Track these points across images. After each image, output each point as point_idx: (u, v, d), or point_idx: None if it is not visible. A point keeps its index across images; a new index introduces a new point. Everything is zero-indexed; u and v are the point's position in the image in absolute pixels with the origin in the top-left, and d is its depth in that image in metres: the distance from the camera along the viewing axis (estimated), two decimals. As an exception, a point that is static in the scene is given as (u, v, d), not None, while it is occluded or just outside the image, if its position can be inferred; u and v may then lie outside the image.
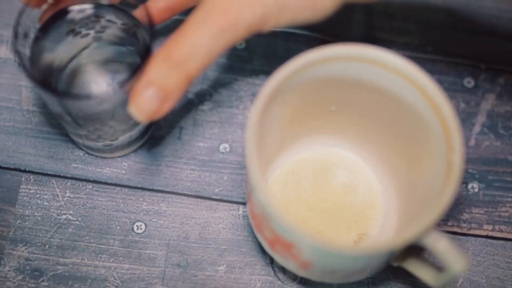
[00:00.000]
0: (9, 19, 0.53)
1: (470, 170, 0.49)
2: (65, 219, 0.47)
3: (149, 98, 0.38)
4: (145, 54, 0.40)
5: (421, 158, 0.42)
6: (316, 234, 0.42)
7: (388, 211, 0.46)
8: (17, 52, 0.40)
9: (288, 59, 0.40)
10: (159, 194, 0.48)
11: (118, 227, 0.47)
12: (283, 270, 0.46)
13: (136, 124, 0.45)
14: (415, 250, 0.42)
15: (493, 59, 0.53)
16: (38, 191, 0.48)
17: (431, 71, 0.49)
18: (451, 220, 0.48)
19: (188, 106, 0.51)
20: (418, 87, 0.40)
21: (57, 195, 0.48)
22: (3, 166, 0.49)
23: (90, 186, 0.48)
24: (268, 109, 0.40)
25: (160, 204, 0.48)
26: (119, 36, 0.45)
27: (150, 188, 0.49)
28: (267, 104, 0.39)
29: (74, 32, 0.44)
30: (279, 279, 0.46)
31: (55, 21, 0.44)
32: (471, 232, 0.48)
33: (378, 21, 0.54)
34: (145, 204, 0.48)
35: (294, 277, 0.46)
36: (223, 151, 0.50)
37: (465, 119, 0.51)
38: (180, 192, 0.48)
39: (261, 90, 0.39)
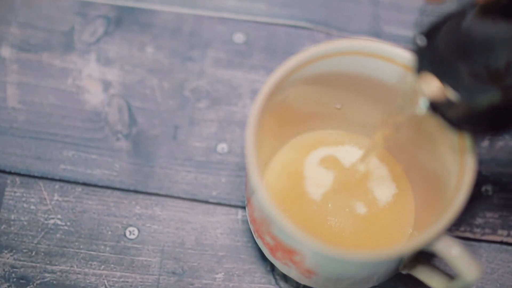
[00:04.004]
0: (-7, 11, 0.53)
1: (483, 172, 0.50)
2: (53, 224, 0.47)
3: None
4: None
5: (433, 158, 0.42)
6: (320, 239, 0.42)
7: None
8: None
9: (290, 54, 0.40)
10: (153, 198, 0.48)
11: (110, 233, 0.47)
12: (285, 278, 0.47)
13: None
14: (425, 256, 0.42)
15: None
16: (25, 194, 0.48)
17: (442, 67, 0.49)
18: (463, 225, 0.48)
19: (184, 104, 0.51)
20: None
21: (45, 198, 0.48)
22: (-13, 167, 0.49)
23: (80, 189, 0.48)
24: (269, 107, 0.40)
25: (154, 208, 0.48)
26: None
27: (144, 191, 0.49)
28: (268, 101, 0.40)
29: None
30: (281, 288, 0.46)
31: None
32: (484, 237, 0.48)
33: (385, 14, 0.54)
34: (138, 208, 0.48)
35: (296, 286, 0.46)
36: (221, 151, 0.50)
37: (478, 117, 0.51)
38: (175, 195, 0.49)
39: (262, 87, 0.39)
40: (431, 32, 0.36)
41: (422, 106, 0.36)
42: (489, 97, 0.34)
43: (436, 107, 0.36)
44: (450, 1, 0.37)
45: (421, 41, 0.36)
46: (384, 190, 0.46)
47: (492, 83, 0.34)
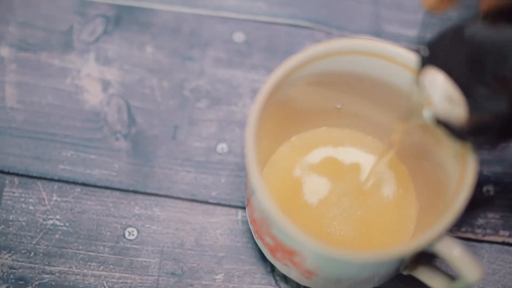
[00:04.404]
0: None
1: (485, 172, 0.50)
2: (52, 224, 0.47)
3: None
4: None
5: (435, 158, 0.42)
6: (321, 239, 0.42)
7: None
8: None
9: (290, 53, 0.40)
10: (152, 198, 0.48)
11: (109, 233, 0.47)
12: (285, 279, 0.46)
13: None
14: (426, 257, 0.42)
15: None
16: (23, 195, 0.48)
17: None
18: (464, 226, 0.48)
19: (184, 104, 0.51)
20: None
21: (43, 198, 0.48)
22: (-15, 167, 0.49)
23: (79, 189, 0.48)
24: (269, 106, 0.40)
25: (154, 209, 0.48)
26: None
27: (143, 191, 0.49)
28: (268, 101, 0.40)
29: None
30: (281, 289, 0.46)
31: None
32: (486, 238, 0.48)
33: (386, 13, 0.54)
34: (137, 208, 0.48)
35: (296, 286, 0.46)
36: (221, 151, 0.50)
37: (480, 117, 0.51)
38: (175, 195, 0.48)
39: (262, 86, 0.39)
40: (435, 44, 0.36)
41: (426, 116, 0.36)
42: (495, 106, 0.34)
43: (440, 119, 0.36)
44: (453, 11, 0.37)
45: (425, 53, 0.36)
46: (386, 189, 0.46)
47: (499, 91, 0.34)
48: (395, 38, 0.53)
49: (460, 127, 0.36)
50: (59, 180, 0.49)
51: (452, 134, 0.36)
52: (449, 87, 0.35)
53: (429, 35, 0.36)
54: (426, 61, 0.36)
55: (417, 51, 0.36)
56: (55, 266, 0.46)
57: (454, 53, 0.35)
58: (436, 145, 0.42)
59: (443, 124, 0.36)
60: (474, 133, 0.36)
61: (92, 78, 0.52)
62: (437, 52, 0.36)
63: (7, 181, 0.48)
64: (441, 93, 0.35)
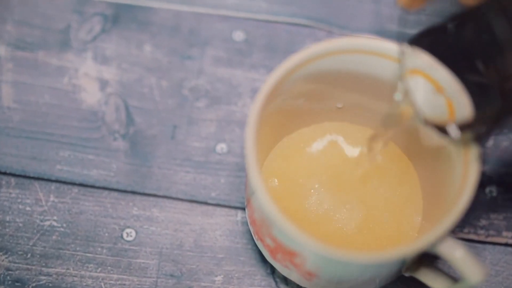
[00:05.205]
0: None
1: (488, 173, 0.49)
2: (49, 225, 0.47)
3: None
4: None
5: (438, 159, 0.42)
6: (322, 240, 0.42)
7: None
8: None
9: (290, 52, 0.40)
10: (151, 199, 0.48)
11: (107, 234, 0.47)
12: (285, 280, 0.46)
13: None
14: (428, 258, 0.42)
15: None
16: (20, 195, 0.48)
17: (445, 65, 0.49)
18: (467, 227, 0.48)
19: (183, 103, 0.51)
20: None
21: (40, 199, 0.48)
22: (-19, 168, 0.49)
23: (76, 190, 0.48)
24: (269, 106, 0.40)
25: (152, 209, 0.48)
26: None
27: (141, 192, 0.48)
28: (268, 101, 0.39)
29: None
30: (281, 291, 0.46)
31: None
32: (489, 239, 0.48)
33: (387, 11, 0.54)
34: (136, 209, 0.48)
35: (297, 288, 0.46)
36: (220, 151, 0.50)
37: (482, 117, 0.51)
38: (174, 196, 0.48)
39: (262, 86, 0.39)
40: (416, 41, 0.36)
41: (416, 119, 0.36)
42: (486, 95, 0.34)
43: (427, 120, 0.36)
44: (429, 8, 0.37)
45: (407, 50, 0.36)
46: (391, 188, 0.46)
47: (491, 79, 0.34)
48: (396, 37, 0.52)
49: (448, 124, 0.36)
50: (56, 181, 0.48)
51: (441, 133, 0.36)
52: (433, 85, 0.35)
53: (409, 31, 0.36)
54: (412, 44, 0.36)
55: (399, 48, 0.37)
56: (52, 268, 0.46)
57: (444, 43, 0.35)
58: (440, 144, 0.42)
59: (431, 124, 0.36)
60: (464, 127, 0.36)
61: (90, 77, 0.51)
62: (426, 44, 0.36)
63: (3, 182, 0.48)
64: (426, 91, 0.35)
